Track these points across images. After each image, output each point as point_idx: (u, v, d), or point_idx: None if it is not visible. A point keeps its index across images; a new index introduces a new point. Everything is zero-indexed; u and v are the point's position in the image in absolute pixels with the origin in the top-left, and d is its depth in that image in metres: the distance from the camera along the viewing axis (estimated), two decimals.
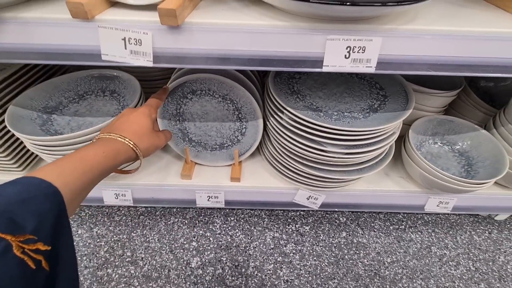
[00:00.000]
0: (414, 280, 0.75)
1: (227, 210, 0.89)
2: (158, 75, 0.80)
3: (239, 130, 0.68)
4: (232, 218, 0.87)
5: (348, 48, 0.40)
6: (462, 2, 0.50)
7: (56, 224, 0.28)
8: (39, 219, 0.26)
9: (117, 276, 0.74)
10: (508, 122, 0.64)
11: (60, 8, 0.41)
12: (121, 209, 0.89)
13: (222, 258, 0.78)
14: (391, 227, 0.87)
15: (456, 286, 0.74)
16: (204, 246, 0.80)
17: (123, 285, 0.72)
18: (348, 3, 0.34)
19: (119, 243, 0.80)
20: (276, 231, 0.84)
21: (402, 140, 0.71)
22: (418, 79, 0.72)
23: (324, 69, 0.42)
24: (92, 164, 0.37)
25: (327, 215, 0.89)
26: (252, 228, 0.85)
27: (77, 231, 0.83)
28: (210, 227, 0.85)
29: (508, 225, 0.89)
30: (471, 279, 0.76)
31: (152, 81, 0.80)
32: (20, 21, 0.40)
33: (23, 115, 0.60)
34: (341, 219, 0.88)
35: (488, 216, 0.90)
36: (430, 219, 0.89)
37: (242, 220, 0.87)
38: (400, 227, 0.87)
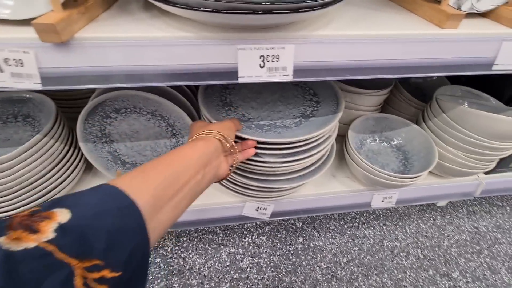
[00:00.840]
0: (369, 277, 0.76)
1: (179, 231, 0.83)
2: (78, 94, 0.72)
3: (175, 147, 0.64)
4: (184, 239, 0.82)
5: (262, 57, 0.39)
6: (375, 5, 0.51)
7: (130, 244, 0.24)
8: (110, 239, 0.22)
9: None
10: (433, 116, 0.68)
11: None
12: None
13: (174, 285, 0.72)
14: (345, 226, 0.88)
15: (407, 276, 0.77)
16: (154, 274, 0.74)
17: None
18: (260, 12, 0.32)
19: None
20: (232, 246, 0.81)
21: (344, 140, 0.72)
22: (354, 80, 0.74)
23: (240, 80, 0.39)
24: (175, 161, 0.34)
25: (283, 222, 0.88)
26: (207, 246, 0.80)
27: None
28: (161, 251, 0.79)
29: (450, 210, 0.95)
30: (420, 267, 0.79)
31: (72, 100, 0.72)
32: None
33: None
34: (297, 224, 0.88)
35: (432, 203, 0.95)
36: (381, 213, 0.92)
37: (195, 239, 0.82)
38: (354, 224, 0.88)
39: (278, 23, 0.39)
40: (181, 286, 0.72)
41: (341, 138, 0.72)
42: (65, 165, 0.59)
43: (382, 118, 0.75)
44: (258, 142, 0.52)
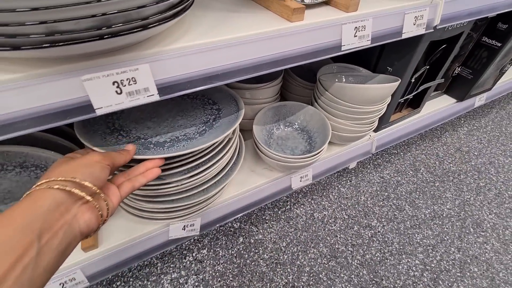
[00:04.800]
0: (308, 252, 0.82)
1: (110, 277, 0.75)
2: None
3: None
4: (118, 283, 0.74)
5: (116, 83, 0.36)
6: (233, 7, 0.53)
7: None
8: None
9: None
10: (320, 94, 0.75)
11: None
12: None
13: None
14: (279, 212, 0.92)
15: (339, 239, 0.86)
16: None
17: None
18: (107, 36, 0.29)
19: None
20: (173, 272, 0.77)
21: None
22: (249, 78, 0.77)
23: (98, 112, 0.36)
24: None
25: (221, 228, 0.87)
26: (145, 282, 0.75)
27: None
28: None
29: (361, 169, 1.09)
30: (347, 226, 0.89)
31: None
32: None
33: None
34: (235, 225, 0.88)
35: (346, 167, 1.08)
36: (307, 189, 1.00)
37: (131, 280, 0.75)
38: (287, 208, 0.94)
39: (117, 46, 0.36)
40: None
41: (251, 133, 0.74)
42: None
43: (281, 106, 0.80)
44: (165, 159, 0.49)
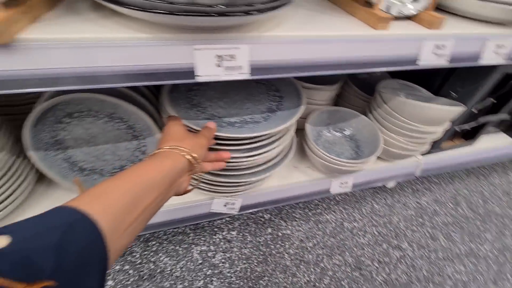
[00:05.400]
0: (333, 257, 0.83)
1: (147, 235, 0.82)
2: (24, 99, 0.67)
3: (139, 149, 0.63)
4: (153, 243, 0.80)
5: (218, 57, 0.41)
6: (320, 8, 0.56)
7: (85, 261, 0.23)
8: (59, 256, 0.21)
9: None
10: (377, 107, 0.76)
11: None
12: None
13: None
14: (309, 213, 0.94)
15: (365, 252, 0.85)
16: (123, 282, 0.71)
17: None
18: (213, 14, 0.34)
19: None
20: (203, 244, 0.82)
21: (303, 133, 0.77)
22: (309, 77, 0.80)
23: (197, 79, 0.41)
24: (140, 181, 0.33)
25: (252, 215, 0.91)
26: (177, 247, 0.80)
27: None
28: (128, 258, 0.76)
29: (398, 190, 1.07)
30: (376, 242, 0.88)
31: (17, 106, 0.66)
32: None
33: None
34: (265, 216, 0.91)
35: (383, 186, 1.06)
36: (340, 198, 1.01)
37: (165, 242, 0.81)
38: (317, 211, 0.95)
39: (231, 24, 0.41)
40: None
41: (300, 131, 0.77)
42: (11, 177, 0.55)
43: (335, 111, 0.82)
44: (229, 140, 0.54)
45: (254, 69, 0.44)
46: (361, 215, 0.96)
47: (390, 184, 1.04)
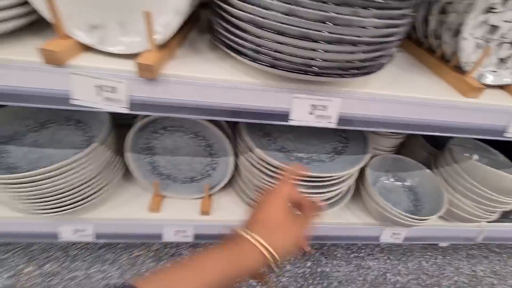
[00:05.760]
0: None
1: (195, 243, 0.88)
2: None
3: (210, 165, 0.70)
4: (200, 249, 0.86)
5: (312, 106, 0.45)
6: (409, 67, 0.58)
7: None
8: None
9: None
10: (446, 164, 0.74)
11: (30, 50, 0.40)
12: (77, 243, 0.83)
13: None
14: (351, 255, 0.92)
15: None
16: None
17: None
18: (311, 73, 0.39)
19: (74, 281, 0.74)
20: None
21: (360, 175, 0.78)
22: None
23: (290, 123, 0.46)
24: (210, 278, 0.31)
25: None
26: None
27: (24, 269, 0.75)
28: (178, 260, 0.82)
29: (450, 251, 0.99)
30: None
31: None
32: None
33: None
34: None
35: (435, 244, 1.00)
36: (385, 246, 0.97)
37: None
38: (360, 255, 0.93)
39: (329, 81, 0.46)
40: None
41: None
42: (111, 171, 0.65)
43: (398, 159, 0.81)
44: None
45: (341, 120, 0.47)
46: (407, 269, 0.91)
47: (443, 243, 0.98)
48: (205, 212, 0.70)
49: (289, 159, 0.61)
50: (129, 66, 0.40)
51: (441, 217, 0.81)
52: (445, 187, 0.74)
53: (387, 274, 0.88)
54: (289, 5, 0.34)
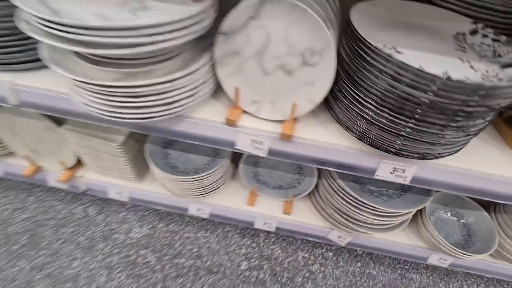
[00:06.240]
0: None
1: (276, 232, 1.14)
2: None
3: (297, 180, 0.92)
4: (272, 235, 1.12)
5: (394, 169, 0.62)
6: (486, 137, 0.69)
7: None
8: None
9: (188, 265, 1.01)
10: (504, 212, 0.83)
11: (212, 112, 0.64)
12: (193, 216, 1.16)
13: (264, 266, 1.03)
14: (397, 266, 1.09)
15: None
16: (251, 254, 1.06)
17: (193, 273, 1.00)
18: (392, 152, 0.56)
19: (189, 240, 1.08)
20: (306, 253, 1.09)
21: None
22: None
23: (375, 177, 0.64)
24: None
25: (345, 247, 1.12)
26: (287, 247, 1.10)
27: (158, 225, 1.11)
28: (256, 239, 1.10)
29: (495, 282, 1.08)
30: None
31: None
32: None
33: (154, 150, 0.86)
34: (358, 250, 1.11)
35: None
36: (431, 264, 1.10)
37: (280, 239, 1.12)
38: (405, 267, 1.09)
39: None
40: (268, 269, 1.03)
41: None
42: (226, 175, 0.92)
43: (459, 198, 0.92)
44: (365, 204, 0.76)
45: (414, 179, 0.63)
46: None
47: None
48: (286, 212, 0.94)
49: (363, 190, 0.79)
50: (272, 127, 0.62)
51: (491, 254, 0.91)
52: (498, 231, 0.84)
53: None
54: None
